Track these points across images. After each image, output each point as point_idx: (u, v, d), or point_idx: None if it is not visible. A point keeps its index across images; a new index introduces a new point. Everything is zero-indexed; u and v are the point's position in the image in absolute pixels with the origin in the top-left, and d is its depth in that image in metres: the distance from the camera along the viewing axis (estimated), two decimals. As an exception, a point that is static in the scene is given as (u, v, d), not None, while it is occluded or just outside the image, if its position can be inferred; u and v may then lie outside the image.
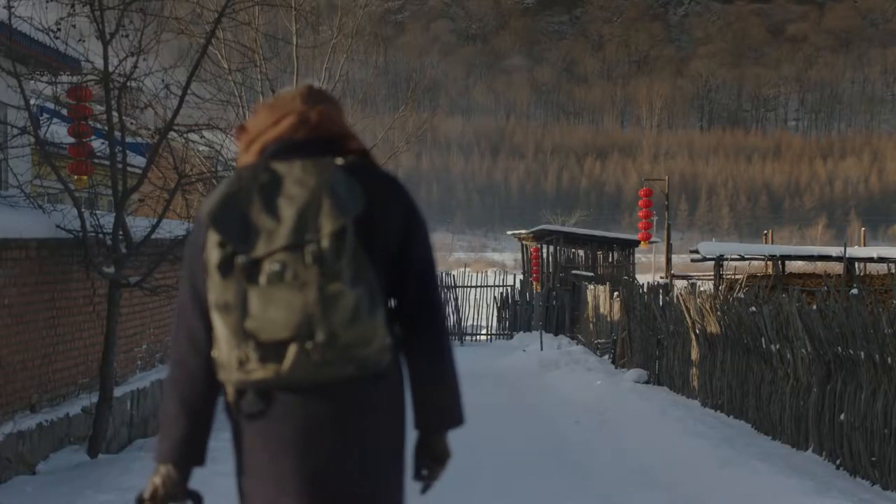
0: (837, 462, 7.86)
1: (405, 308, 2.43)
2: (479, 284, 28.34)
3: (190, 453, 2.41)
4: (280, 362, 2.22)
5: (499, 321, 26.96)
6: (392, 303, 2.44)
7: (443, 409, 2.49)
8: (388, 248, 2.38)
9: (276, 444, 2.31)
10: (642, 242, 21.61)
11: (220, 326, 2.27)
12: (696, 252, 22.50)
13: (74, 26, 8.10)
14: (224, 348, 2.27)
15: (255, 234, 2.27)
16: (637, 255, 31.77)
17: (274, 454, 2.31)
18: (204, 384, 2.38)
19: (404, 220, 2.42)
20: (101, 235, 8.11)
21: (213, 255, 2.29)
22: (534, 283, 27.92)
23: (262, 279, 2.23)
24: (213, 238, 2.30)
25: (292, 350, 2.21)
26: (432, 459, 2.51)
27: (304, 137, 2.44)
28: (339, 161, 2.38)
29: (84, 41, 8.69)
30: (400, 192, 2.44)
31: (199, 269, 2.35)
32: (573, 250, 29.98)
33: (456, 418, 2.51)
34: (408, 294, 2.43)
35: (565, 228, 31.99)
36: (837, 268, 22.04)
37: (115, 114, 8.16)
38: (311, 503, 2.29)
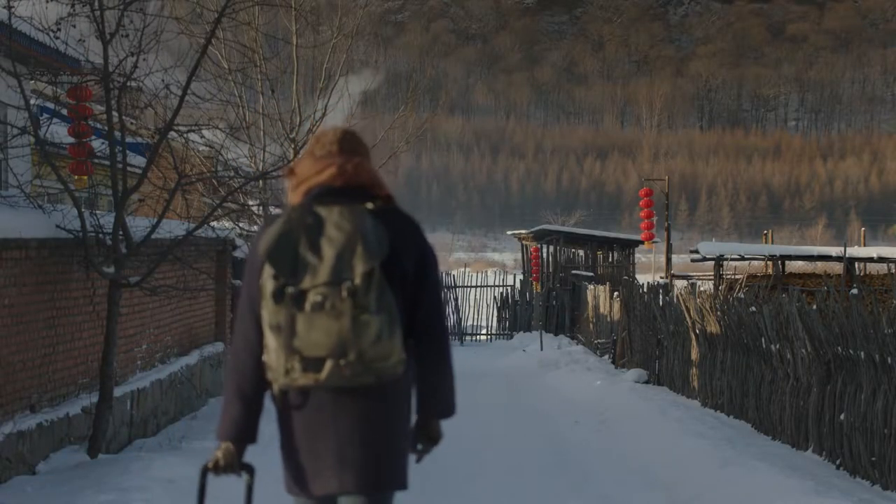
0: (837, 462, 7.86)
1: (417, 324, 3.06)
2: (479, 284, 28.35)
3: (244, 432, 3.04)
4: (318, 373, 2.84)
5: (499, 321, 26.96)
6: (406, 319, 3.03)
7: (441, 402, 3.16)
8: (406, 278, 3.01)
9: (314, 429, 2.96)
10: (646, 243, 21.56)
11: (272, 341, 2.88)
12: (696, 252, 22.50)
13: (74, 26, 8.07)
14: (273, 357, 2.89)
15: (302, 269, 2.87)
16: (637, 255, 31.75)
17: (312, 437, 2.97)
18: (255, 378, 3.01)
19: (419, 257, 3.06)
20: (101, 235, 8.09)
21: (269, 285, 2.88)
22: (534, 283, 27.91)
23: (307, 306, 2.83)
24: (268, 271, 2.90)
25: (328, 365, 2.83)
26: (428, 439, 3.19)
27: (341, 185, 3.05)
28: (370, 206, 3.00)
29: (84, 41, 8.67)
30: (417, 232, 3.09)
31: (256, 291, 2.97)
32: (573, 250, 29.99)
33: (450, 410, 3.19)
34: (420, 314, 3.06)
35: (565, 228, 32.00)
36: (837, 268, 22.05)
37: (115, 114, 8.14)
38: (342, 472, 2.94)
